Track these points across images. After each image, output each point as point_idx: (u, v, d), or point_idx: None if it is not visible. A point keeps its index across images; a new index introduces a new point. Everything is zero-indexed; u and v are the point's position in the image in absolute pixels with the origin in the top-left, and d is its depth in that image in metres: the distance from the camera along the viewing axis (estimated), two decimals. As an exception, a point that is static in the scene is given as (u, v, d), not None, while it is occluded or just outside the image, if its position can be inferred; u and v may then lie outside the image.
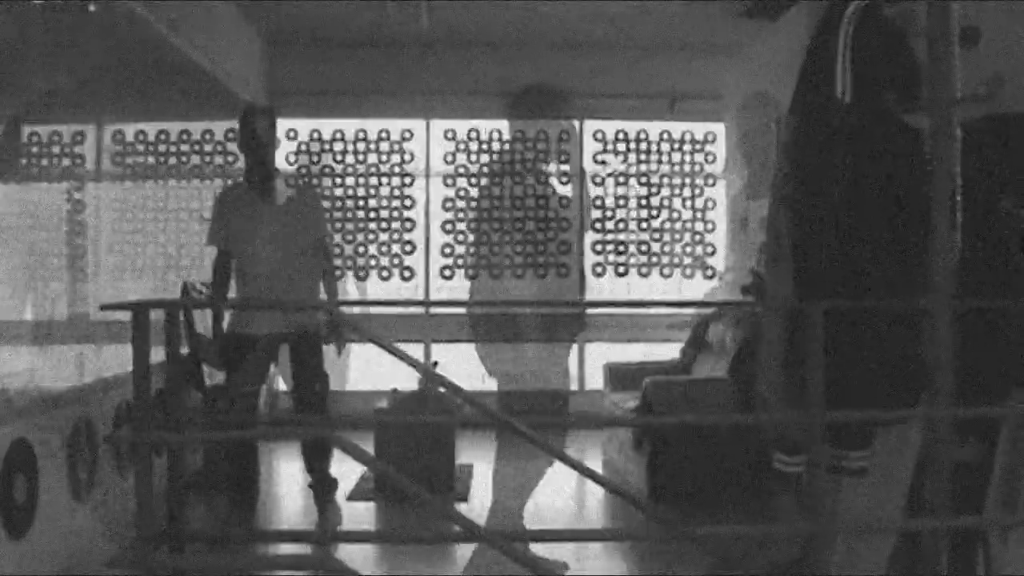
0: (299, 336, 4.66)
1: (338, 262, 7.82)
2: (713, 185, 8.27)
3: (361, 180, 8.04)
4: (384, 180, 8.06)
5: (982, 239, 2.65)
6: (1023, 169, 2.71)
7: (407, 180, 8.08)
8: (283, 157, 8.04)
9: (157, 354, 2.06)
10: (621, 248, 8.12)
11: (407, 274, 8.09)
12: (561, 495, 5.25)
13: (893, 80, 2.62)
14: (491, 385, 8.27)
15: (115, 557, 2.02)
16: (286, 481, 6.06)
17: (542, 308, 4.64)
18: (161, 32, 5.12)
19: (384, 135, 8.06)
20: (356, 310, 8.09)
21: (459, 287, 8.17)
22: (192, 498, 5.02)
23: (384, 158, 8.06)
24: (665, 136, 8.24)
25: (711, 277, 8.25)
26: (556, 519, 4.82)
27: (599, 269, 8.16)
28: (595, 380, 7.44)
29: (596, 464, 5.75)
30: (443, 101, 7.95)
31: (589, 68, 7.93)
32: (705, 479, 5.07)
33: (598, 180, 8.20)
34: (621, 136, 8.17)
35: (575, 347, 8.06)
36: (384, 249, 8.03)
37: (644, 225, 8.18)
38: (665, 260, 8.16)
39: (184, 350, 4.60)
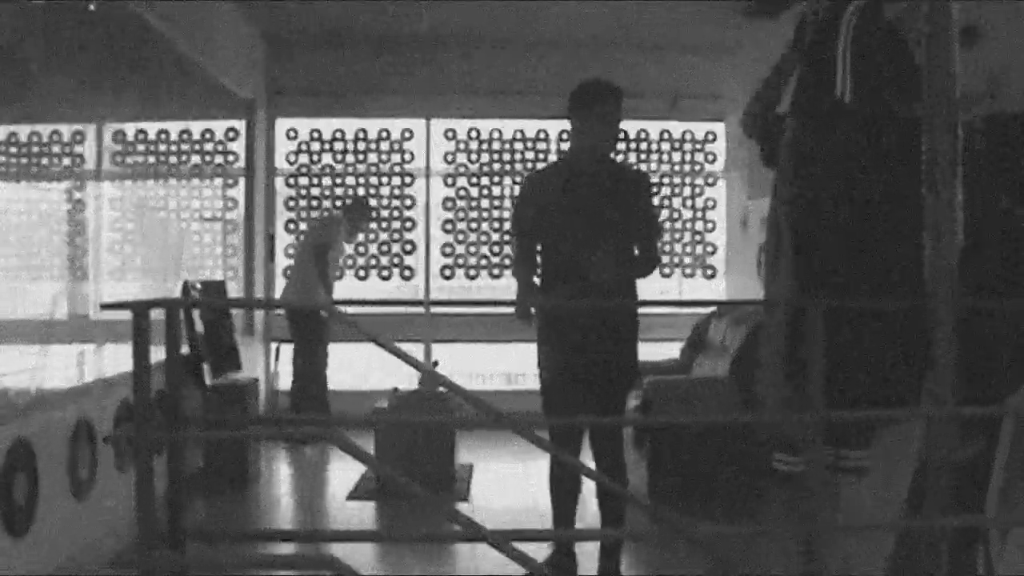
0: None
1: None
2: (713, 185, 8.27)
3: (361, 180, 8.04)
4: (384, 180, 8.06)
5: (982, 239, 2.65)
6: (1023, 169, 2.71)
7: (407, 180, 8.08)
8: (283, 157, 8.06)
9: (157, 354, 2.06)
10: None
11: (407, 274, 8.09)
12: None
13: (893, 80, 2.62)
14: (491, 385, 8.30)
15: (115, 557, 2.02)
16: (285, 481, 6.07)
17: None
18: (161, 32, 5.12)
19: (384, 135, 8.06)
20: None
21: (460, 287, 8.18)
22: (192, 498, 5.03)
23: (384, 158, 8.06)
24: (665, 135, 8.24)
25: (711, 277, 8.25)
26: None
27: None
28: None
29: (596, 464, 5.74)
30: (443, 101, 7.94)
31: (589, 68, 7.92)
32: (705, 479, 5.07)
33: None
34: (621, 135, 8.15)
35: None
36: (384, 249, 8.03)
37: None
38: (665, 259, 8.16)
39: (184, 350, 4.60)
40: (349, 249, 7.82)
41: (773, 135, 2.88)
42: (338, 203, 7.99)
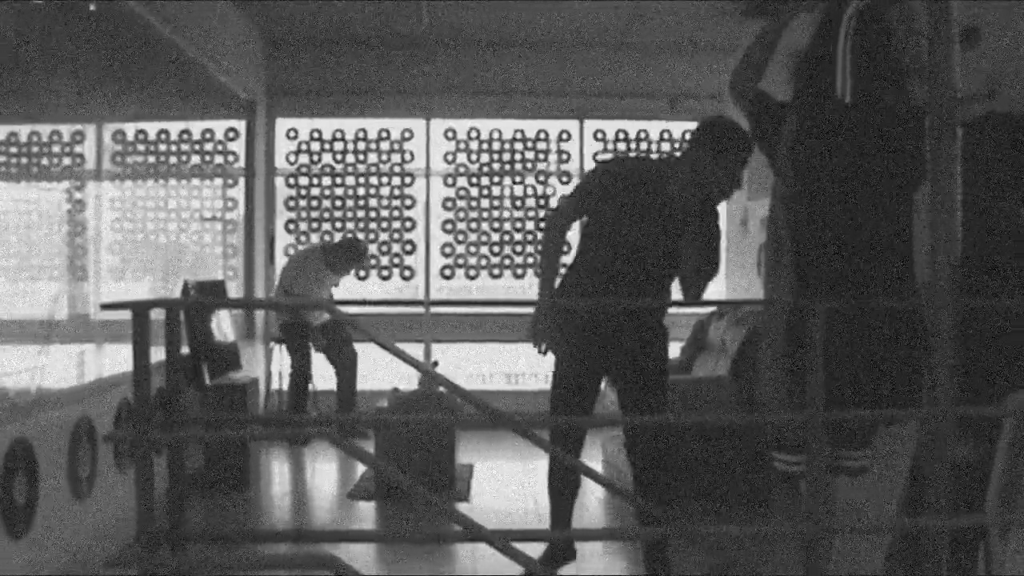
0: None
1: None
2: (713, 185, 8.25)
3: (361, 180, 8.04)
4: (384, 180, 8.06)
5: (982, 239, 2.65)
6: (1023, 169, 2.71)
7: (407, 180, 8.08)
8: (283, 157, 8.06)
9: (157, 354, 2.06)
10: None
11: (407, 274, 8.09)
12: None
13: (892, 80, 2.62)
14: (491, 385, 8.30)
15: (115, 557, 2.02)
16: (285, 481, 6.06)
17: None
18: (161, 32, 5.12)
19: (384, 135, 8.06)
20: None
21: (460, 287, 8.17)
22: (192, 498, 5.02)
23: (384, 158, 8.07)
24: (665, 135, 8.24)
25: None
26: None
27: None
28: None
29: (596, 464, 5.75)
30: (443, 101, 7.95)
31: (589, 68, 7.94)
32: (705, 479, 5.07)
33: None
34: (621, 136, 8.17)
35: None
36: (384, 249, 8.03)
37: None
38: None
39: (184, 350, 4.60)
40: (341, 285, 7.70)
41: (761, 113, 2.87)
42: (338, 203, 7.99)
